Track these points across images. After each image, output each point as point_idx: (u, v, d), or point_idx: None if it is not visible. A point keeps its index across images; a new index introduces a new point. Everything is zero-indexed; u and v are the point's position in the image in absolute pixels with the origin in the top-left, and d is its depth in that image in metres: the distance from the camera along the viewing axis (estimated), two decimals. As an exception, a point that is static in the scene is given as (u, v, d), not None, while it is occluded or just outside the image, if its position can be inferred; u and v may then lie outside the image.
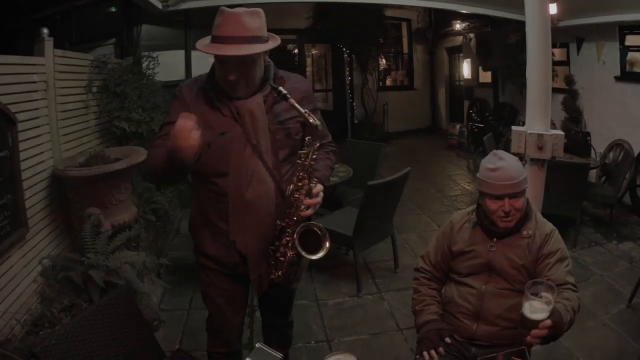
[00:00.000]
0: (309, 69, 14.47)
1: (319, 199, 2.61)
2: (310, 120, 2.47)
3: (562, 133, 4.32)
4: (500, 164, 2.75)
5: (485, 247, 2.88)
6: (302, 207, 2.56)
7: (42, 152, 4.37)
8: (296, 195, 2.55)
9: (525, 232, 2.84)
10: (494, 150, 2.87)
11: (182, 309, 4.91)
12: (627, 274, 6.12)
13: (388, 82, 14.82)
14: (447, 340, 2.84)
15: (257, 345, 2.31)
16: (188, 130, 2.23)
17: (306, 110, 2.47)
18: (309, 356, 4.21)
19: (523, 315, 2.26)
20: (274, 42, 2.50)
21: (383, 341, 4.48)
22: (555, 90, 9.34)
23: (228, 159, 2.55)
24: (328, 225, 5.05)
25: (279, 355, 2.21)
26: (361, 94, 13.40)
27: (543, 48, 4.35)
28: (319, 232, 2.59)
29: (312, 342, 4.47)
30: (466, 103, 12.95)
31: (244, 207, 2.58)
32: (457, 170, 11.20)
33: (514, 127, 4.47)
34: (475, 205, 3.04)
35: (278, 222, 2.62)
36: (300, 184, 2.54)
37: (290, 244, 2.61)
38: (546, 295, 2.25)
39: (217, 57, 2.44)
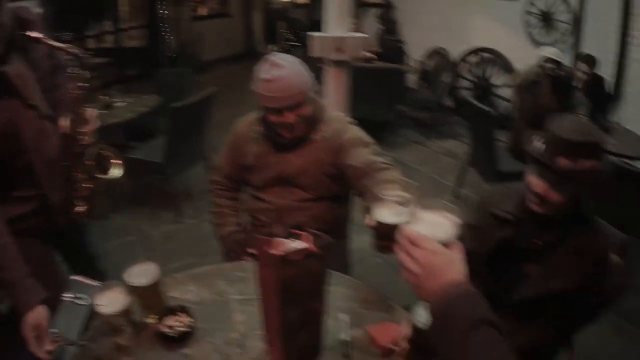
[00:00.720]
0: (124, 8, 13.86)
1: (97, 123, 2.43)
2: (73, 51, 2.21)
3: (363, 35, 4.39)
4: (277, 74, 2.42)
5: (276, 159, 2.68)
6: (84, 137, 2.36)
7: None
8: (76, 129, 2.34)
9: (317, 137, 2.63)
10: (270, 56, 2.53)
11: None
12: (451, 168, 6.50)
13: (203, 11, 14.49)
14: (251, 250, 2.72)
15: (71, 277, 2.20)
16: None
17: (65, 45, 2.20)
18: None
19: (381, 223, 1.66)
20: None
21: (210, 261, 4.44)
22: (369, 5, 9.60)
23: (22, 138, 2.27)
24: (139, 156, 5.05)
25: (99, 283, 2.09)
26: (176, 27, 13.06)
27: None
28: (109, 154, 2.46)
29: (141, 274, 4.35)
30: (281, 24, 12.92)
31: (53, 169, 2.38)
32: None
33: (312, 33, 4.48)
34: (259, 114, 2.77)
35: (64, 162, 2.41)
36: (76, 117, 2.32)
37: (84, 177, 2.43)
38: (399, 193, 1.73)
39: None
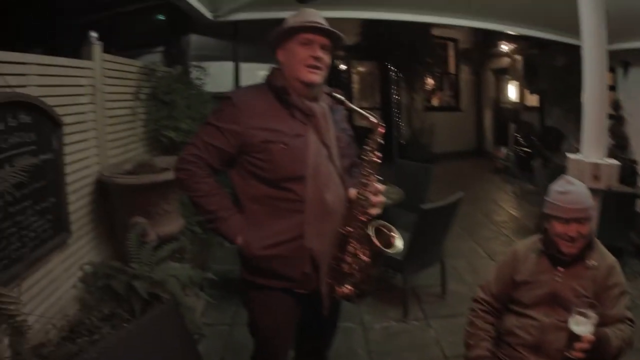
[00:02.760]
0: (355, 86, 14.34)
1: (384, 198, 2.55)
2: (372, 119, 2.45)
3: (617, 163, 4.26)
4: (570, 188, 2.75)
5: (550, 276, 2.81)
6: (371, 206, 2.46)
7: (87, 157, 4.37)
8: (364, 195, 2.45)
9: (589, 262, 2.76)
10: (564, 175, 2.91)
11: (224, 324, 4.80)
12: (678, 308, 5.95)
13: (435, 102, 14.66)
14: None
15: None
16: None
17: (367, 110, 2.47)
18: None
19: (569, 329, 2.46)
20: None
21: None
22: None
23: (305, 161, 2.43)
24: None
25: None
26: (408, 114, 13.26)
27: (598, 73, 4.31)
28: (387, 230, 2.53)
29: (358, 366, 4.28)
30: (512, 126, 12.73)
31: (322, 211, 2.46)
32: (503, 195, 10.88)
33: (570, 155, 4.39)
34: (539, 235, 2.98)
35: (341, 229, 2.49)
36: (366, 181, 2.45)
37: (358, 252, 2.48)
38: (591, 313, 2.43)
39: (306, 34, 2.41)
